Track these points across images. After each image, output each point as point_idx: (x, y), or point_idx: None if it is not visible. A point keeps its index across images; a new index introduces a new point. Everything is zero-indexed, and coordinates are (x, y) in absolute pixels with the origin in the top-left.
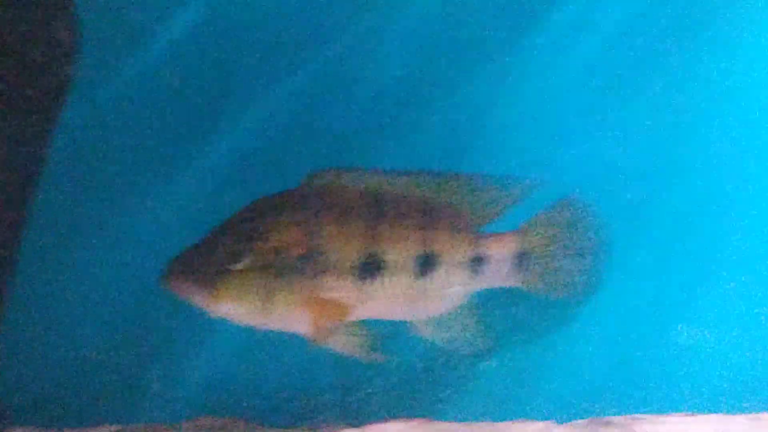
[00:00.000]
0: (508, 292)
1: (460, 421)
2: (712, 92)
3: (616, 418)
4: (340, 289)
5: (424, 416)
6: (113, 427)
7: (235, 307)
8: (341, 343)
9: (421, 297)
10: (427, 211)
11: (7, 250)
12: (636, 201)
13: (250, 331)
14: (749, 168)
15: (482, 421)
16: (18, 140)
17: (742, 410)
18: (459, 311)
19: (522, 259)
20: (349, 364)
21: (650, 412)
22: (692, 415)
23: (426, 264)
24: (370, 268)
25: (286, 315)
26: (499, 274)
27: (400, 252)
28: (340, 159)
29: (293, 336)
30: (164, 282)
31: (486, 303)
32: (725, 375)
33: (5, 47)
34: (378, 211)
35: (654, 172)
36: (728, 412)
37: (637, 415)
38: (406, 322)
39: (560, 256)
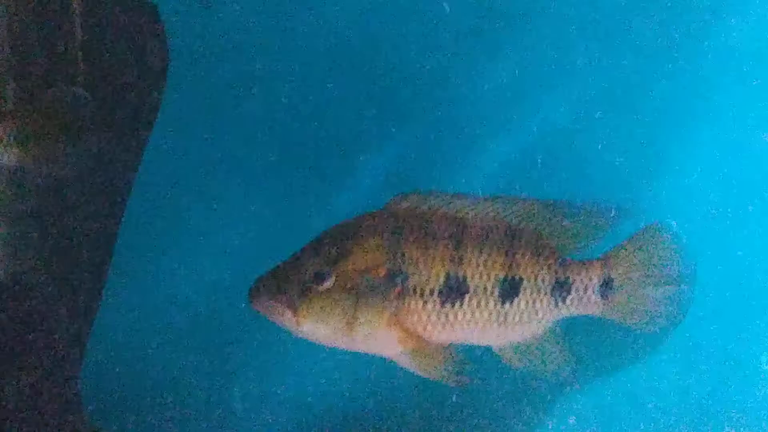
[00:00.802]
0: (593, 321)
1: None
2: None
3: None
4: (424, 312)
5: None
6: None
7: (318, 328)
8: (425, 366)
9: (504, 322)
10: (510, 236)
11: (98, 266)
12: (721, 228)
13: (331, 351)
14: None
15: None
16: (110, 160)
17: None
18: (543, 338)
19: (607, 287)
20: (430, 386)
21: None
22: None
23: (509, 289)
24: (454, 292)
25: (370, 337)
26: (583, 301)
27: (483, 276)
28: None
29: (375, 357)
30: (249, 301)
31: (571, 331)
32: None
33: (100, 71)
34: (461, 235)
35: (737, 199)
36: None
37: None
38: (489, 347)
39: (646, 285)
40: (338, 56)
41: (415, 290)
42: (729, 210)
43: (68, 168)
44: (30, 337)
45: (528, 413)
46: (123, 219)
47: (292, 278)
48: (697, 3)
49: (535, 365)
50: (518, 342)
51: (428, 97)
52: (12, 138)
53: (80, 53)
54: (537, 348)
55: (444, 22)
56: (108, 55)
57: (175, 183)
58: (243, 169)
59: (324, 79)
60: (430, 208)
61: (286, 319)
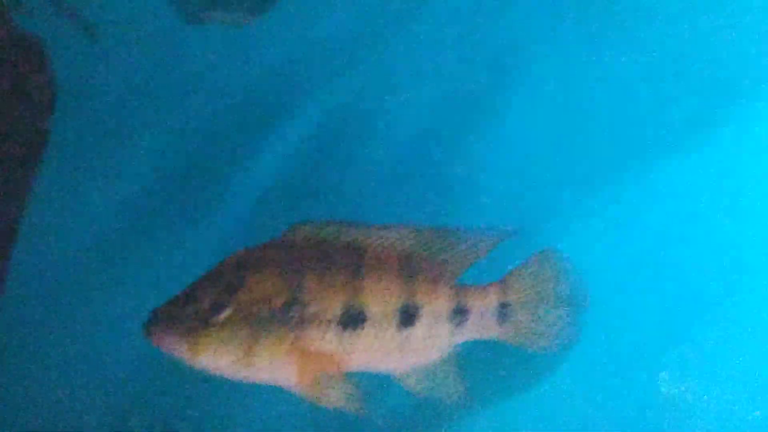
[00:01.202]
0: (491, 345)
1: None
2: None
3: None
4: (323, 341)
5: None
6: None
7: (216, 360)
8: (325, 395)
9: (404, 349)
10: (408, 263)
11: None
12: (613, 250)
13: (229, 381)
14: (732, 217)
15: None
16: None
17: None
18: (441, 363)
19: (504, 311)
20: (332, 415)
21: None
22: None
23: (408, 316)
24: (352, 320)
25: (268, 367)
26: (481, 326)
27: (381, 304)
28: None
29: (275, 388)
30: (145, 334)
31: (469, 355)
32: (708, 426)
33: None
34: (359, 263)
35: (631, 222)
36: None
37: None
38: (389, 374)
39: (541, 308)
40: (222, 86)
41: (313, 319)
42: (621, 232)
43: None
44: None
45: None
46: (12, 254)
47: (189, 309)
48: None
49: (434, 390)
50: (418, 368)
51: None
52: None
53: None
54: (436, 373)
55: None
56: None
57: (65, 217)
58: (136, 199)
59: (209, 105)
60: (327, 237)
61: (182, 351)
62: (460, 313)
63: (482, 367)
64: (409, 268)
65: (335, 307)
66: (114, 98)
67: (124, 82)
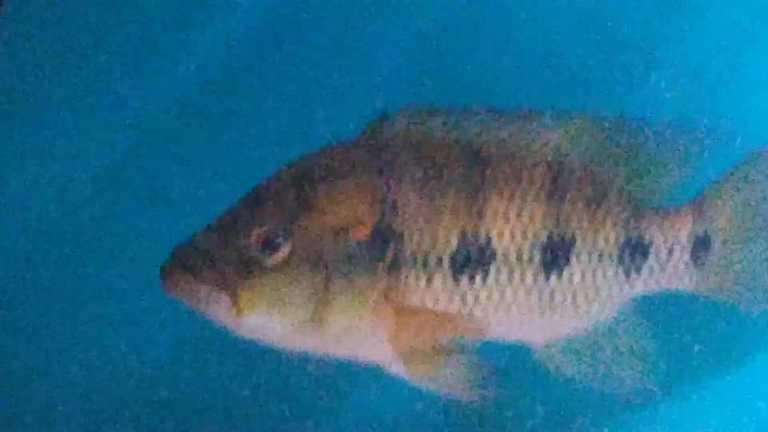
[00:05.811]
0: (681, 299)
1: None
2: None
3: None
4: (428, 293)
5: None
6: None
7: (269, 322)
8: (431, 375)
9: (549, 306)
10: (554, 172)
11: None
12: None
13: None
14: None
15: None
16: None
17: None
18: (608, 331)
19: (702, 248)
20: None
21: None
22: None
23: (556, 255)
24: (472, 260)
25: (348, 332)
26: (666, 271)
27: (516, 236)
28: None
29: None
30: (163, 282)
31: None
32: None
33: None
34: (481, 174)
35: None
36: None
37: None
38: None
39: (760, 243)
40: None
41: (414, 259)
42: None
43: None
44: None
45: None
46: None
47: (229, 246)
48: None
49: (597, 373)
50: (571, 336)
51: None
52: None
53: None
54: (600, 346)
55: None
56: None
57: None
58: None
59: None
60: (432, 134)
61: (220, 309)
62: (635, 251)
63: (672, 337)
64: (557, 181)
65: (447, 240)
66: None
67: None
